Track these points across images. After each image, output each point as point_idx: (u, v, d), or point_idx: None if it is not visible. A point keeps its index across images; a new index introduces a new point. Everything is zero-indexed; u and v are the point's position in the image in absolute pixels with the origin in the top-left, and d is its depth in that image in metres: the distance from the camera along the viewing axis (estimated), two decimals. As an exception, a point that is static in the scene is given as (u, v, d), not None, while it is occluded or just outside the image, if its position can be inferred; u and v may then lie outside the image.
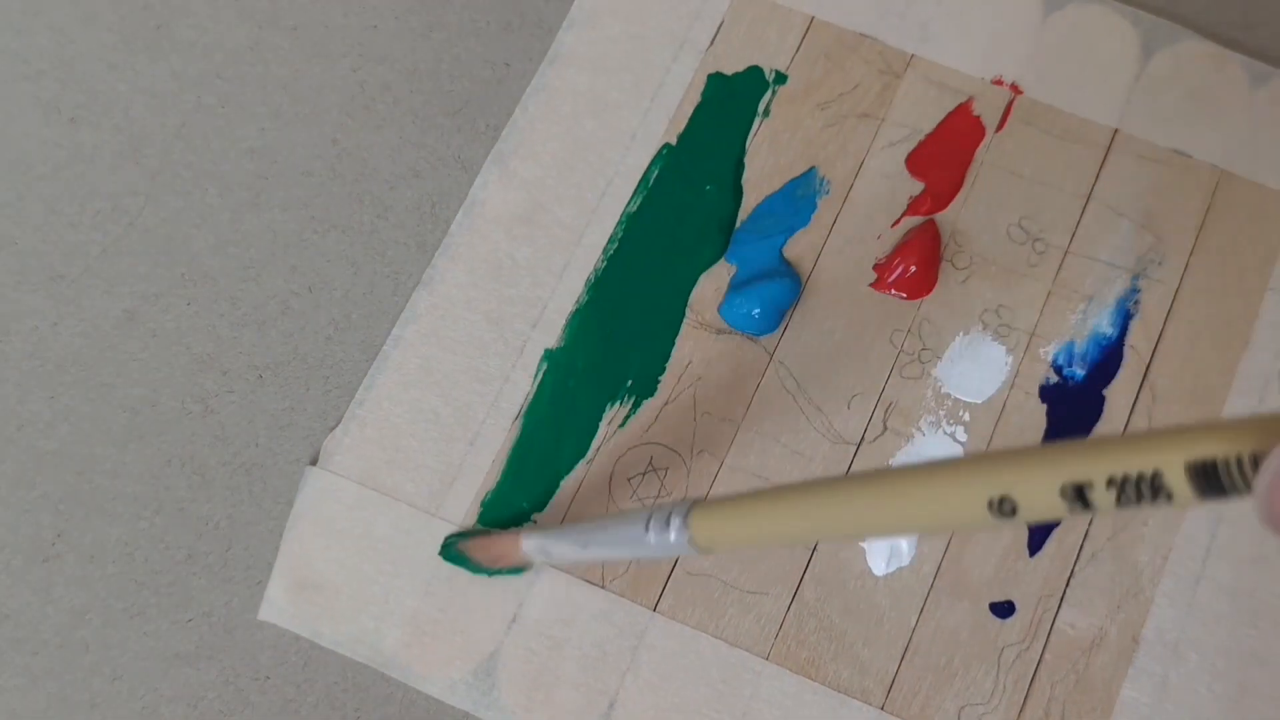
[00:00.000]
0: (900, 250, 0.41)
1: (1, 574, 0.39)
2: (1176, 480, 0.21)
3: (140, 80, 0.44)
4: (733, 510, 0.30)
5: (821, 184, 0.42)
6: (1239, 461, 0.21)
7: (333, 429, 0.40)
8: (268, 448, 0.40)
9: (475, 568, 0.38)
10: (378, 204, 0.43)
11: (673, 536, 0.31)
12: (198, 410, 0.41)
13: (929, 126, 0.43)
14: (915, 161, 0.43)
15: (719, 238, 0.42)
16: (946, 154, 0.43)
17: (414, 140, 0.44)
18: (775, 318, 0.41)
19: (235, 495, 0.40)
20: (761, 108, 0.43)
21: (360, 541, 0.39)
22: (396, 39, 0.45)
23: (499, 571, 0.38)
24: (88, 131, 0.43)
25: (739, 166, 0.43)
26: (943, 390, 0.40)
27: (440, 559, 0.39)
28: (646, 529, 0.31)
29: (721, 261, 0.42)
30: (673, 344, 0.41)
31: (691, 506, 0.30)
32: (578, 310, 0.41)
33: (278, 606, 0.39)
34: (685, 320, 0.41)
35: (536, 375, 0.41)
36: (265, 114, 0.44)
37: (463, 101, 0.44)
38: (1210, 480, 0.21)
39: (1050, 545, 0.39)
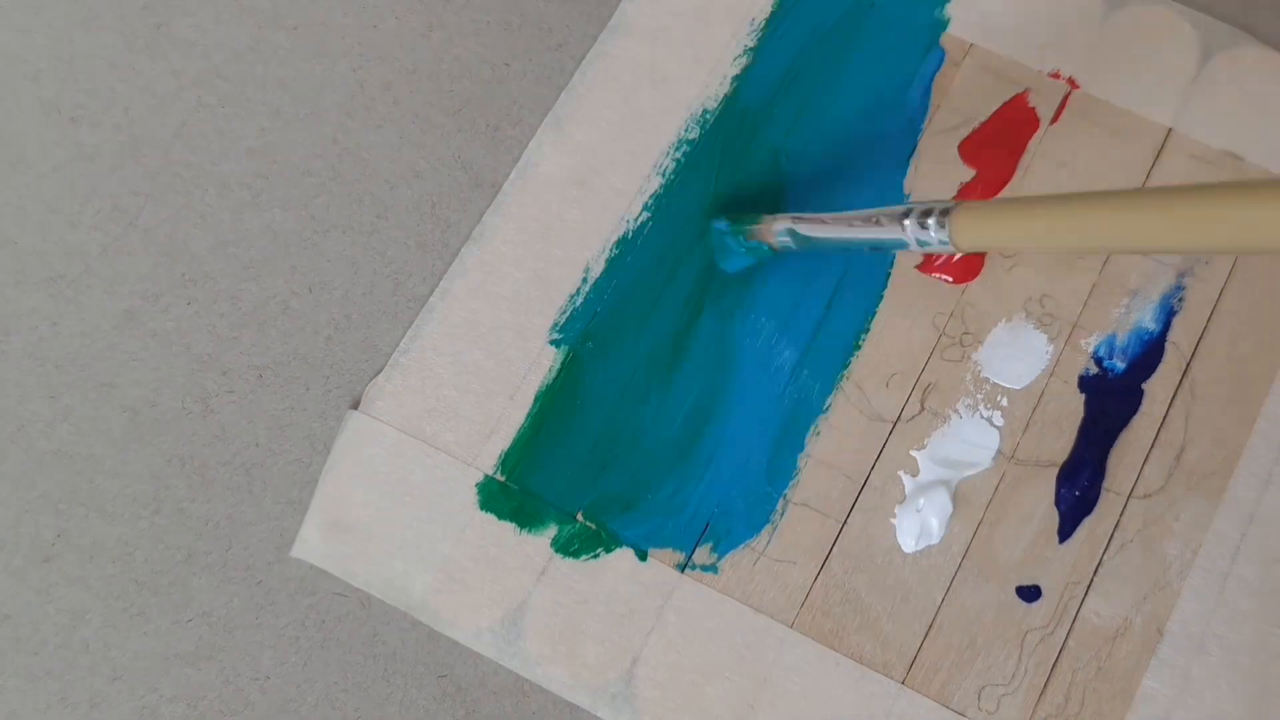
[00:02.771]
0: None
1: (1, 574, 0.39)
2: None
3: (140, 80, 0.44)
4: (996, 211, 0.31)
5: None
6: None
7: (375, 376, 0.41)
8: (268, 448, 0.40)
9: (739, 241, 0.40)
10: (378, 204, 0.43)
11: (932, 233, 0.33)
12: (198, 410, 0.41)
13: (984, 115, 0.44)
14: (968, 148, 0.43)
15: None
16: (1000, 143, 0.43)
17: (414, 140, 0.44)
18: None
19: (235, 495, 0.40)
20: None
21: (397, 487, 0.40)
22: (396, 39, 0.45)
23: (753, 247, 0.40)
24: (88, 131, 0.43)
25: None
26: (982, 375, 0.41)
27: (476, 506, 0.40)
28: (904, 224, 0.34)
29: None
30: None
31: (954, 207, 0.32)
32: (618, 276, 0.42)
33: (311, 545, 0.39)
34: None
35: (571, 341, 0.41)
36: (265, 114, 0.44)
37: (463, 101, 0.44)
38: None
39: (1081, 532, 0.39)
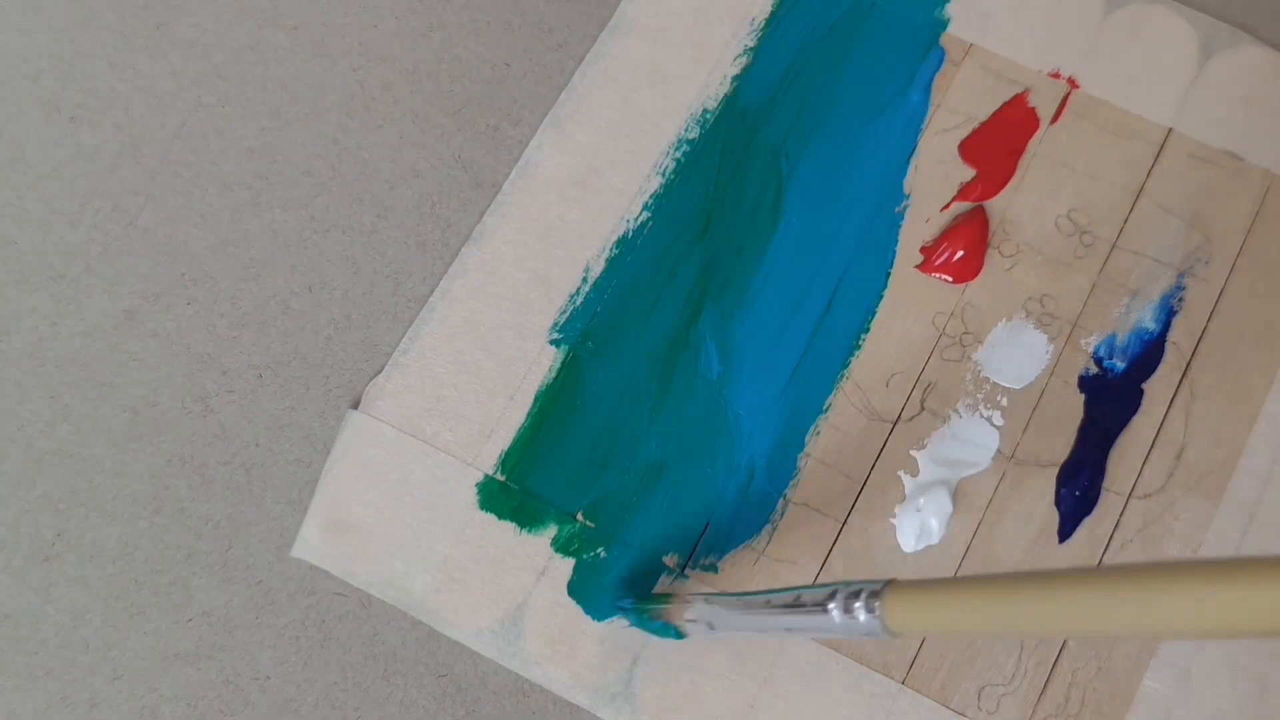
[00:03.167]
0: (948, 234, 0.42)
1: (1, 574, 0.39)
2: None
3: (140, 80, 0.44)
4: (934, 597, 0.28)
5: None
6: None
7: (375, 376, 0.41)
8: (268, 448, 0.40)
9: (642, 621, 0.37)
10: (378, 204, 0.43)
11: (861, 618, 0.29)
12: (198, 410, 0.41)
13: (984, 115, 0.44)
14: (968, 148, 0.43)
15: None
16: (1000, 142, 0.43)
17: (414, 140, 0.44)
18: None
19: (235, 495, 0.40)
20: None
21: (397, 486, 0.40)
22: (396, 39, 0.45)
23: (662, 629, 0.37)
24: (88, 131, 0.43)
25: None
26: (982, 374, 0.41)
27: (476, 505, 0.39)
28: (828, 609, 0.30)
29: None
30: None
31: (885, 588, 0.29)
32: (618, 276, 0.42)
33: (311, 545, 0.39)
34: None
35: (571, 341, 0.41)
36: (265, 114, 0.44)
37: (463, 101, 0.44)
38: None
39: (1081, 533, 0.39)
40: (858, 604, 0.29)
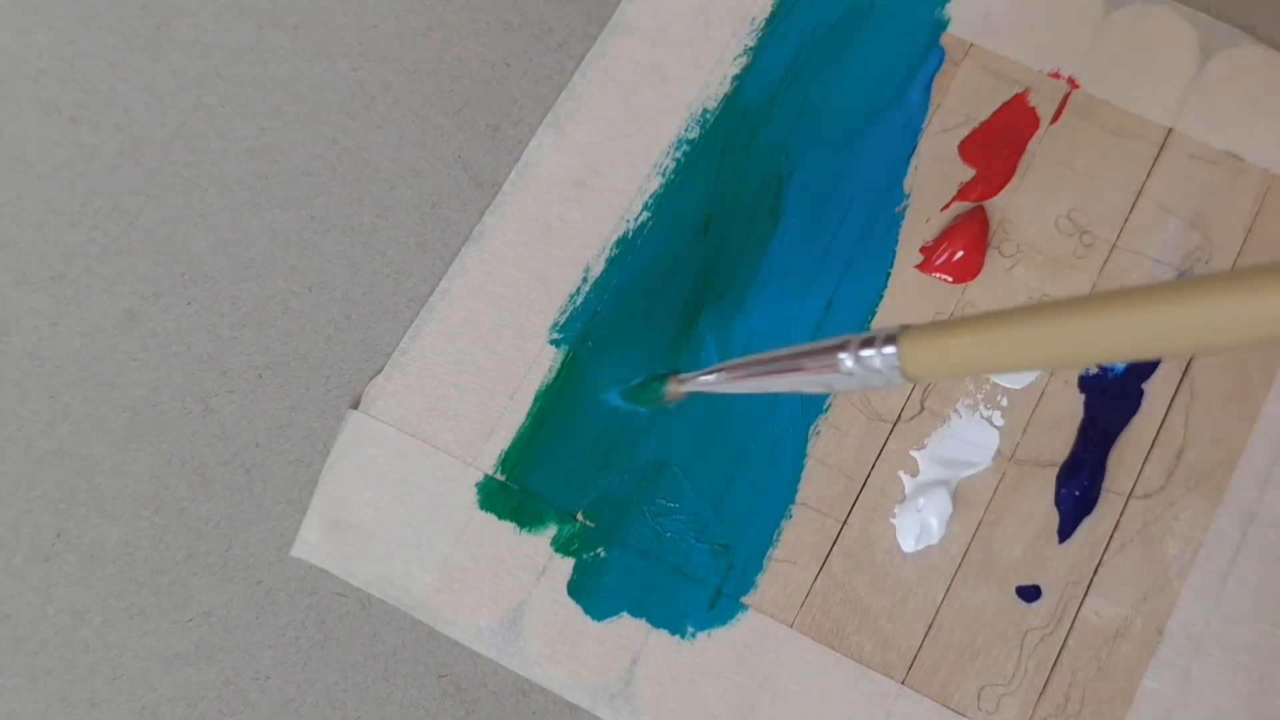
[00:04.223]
0: (948, 234, 0.42)
1: (1, 574, 0.39)
2: None
3: (140, 80, 0.44)
4: (952, 334, 0.27)
5: None
6: None
7: (375, 376, 0.41)
8: (268, 448, 0.40)
9: (635, 398, 0.38)
10: (378, 204, 0.43)
11: (878, 363, 0.29)
12: (198, 410, 0.41)
13: (984, 114, 0.44)
14: (968, 148, 0.43)
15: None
16: (1000, 142, 0.43)
17: (414, 140, 0.44)
18: None
19: (235, 495, 0.40)
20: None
21: (397, 486, 0.40)
22: (396, 39, 0.45)
23: (653, 400, 0.38)
24: (88, 131, 0.43)
25: None
26: None
27: (476, 505, 0.39)
28: (842, 354, 0.29)
29: None
30: None
31: (901, 330, 0.28)
32: (618, 276, 0.42)
33: (311, 544, 0.39)
34: None
35: (571, 341, 0.41)
36: (265, 114, 0.44)
37: (463, 101, 0.44)
38: None
39: (1080, 533, 0.39)
40: (871, 349, 0.29)
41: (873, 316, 0.41)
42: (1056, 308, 0.26)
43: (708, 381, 0.36)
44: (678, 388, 0.38)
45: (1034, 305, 0.26)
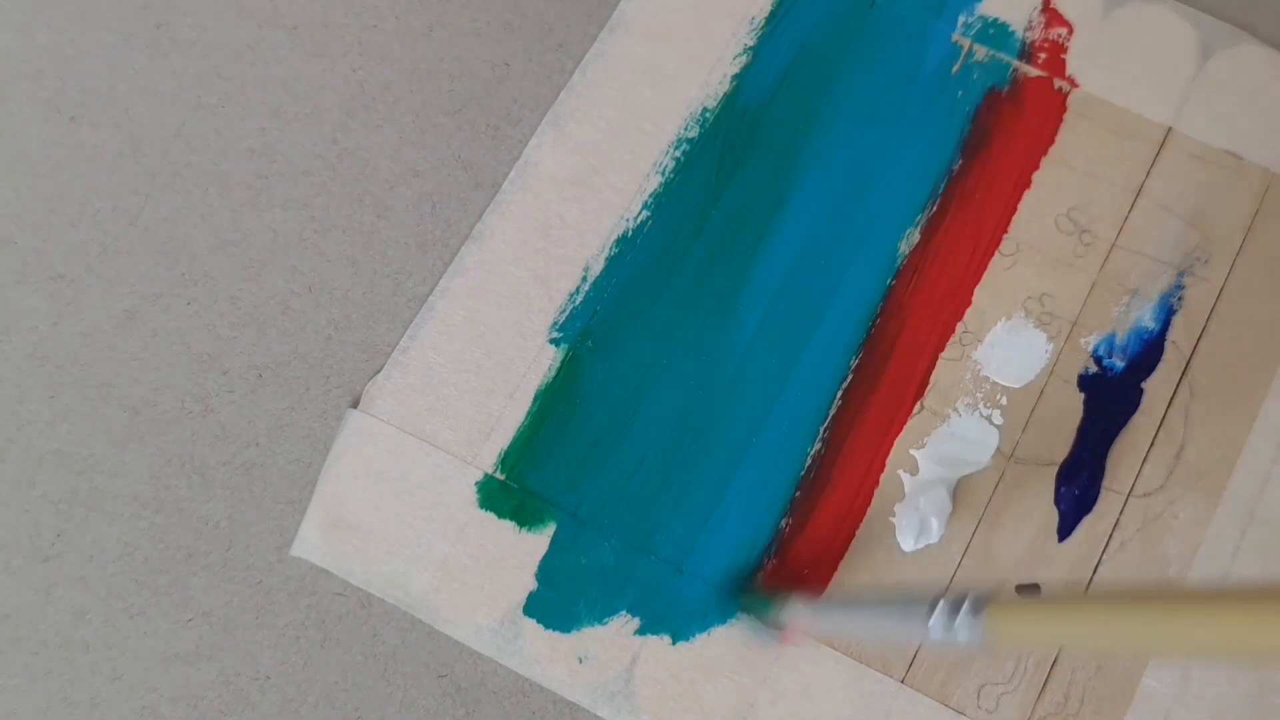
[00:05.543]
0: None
1: (1, 574, 0.39)
2: None
3: (140, 80, 0.44)
4: (1041, 615, 0.27)
5: None
6: None
7: (375, 375, 0.41)
8: (268, 448, 0.40)
9: (764, 614, 0.38)
10: (378, 204, 0.43)
11: (961, 636, 0.28)
12: (198, 410, 0.41)
13: (984, 114, 0.44)
14: (968, 148, 0.43)
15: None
16: (1000, 141, 0.43)
17: (414, 140, 0.44)
18: None
19: (235, 495, 0.40)
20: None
21: (396, 485, 0.40)
22: (396, 39, 0.45)
23: (766, 622, 0.38)
24: (88, 131, 0.43)
25: None
26: (981, 373, 0.41)
27: (476, 504, 0.39)
28: (929, 619, 0.29)
29: None
30: None
31: (988, 600, 0.28)
32: (618, 275, 0.42)
33: (311, 543, 0.39)
34: None
35: (570, 340, 0.41)
36: (265, 114, 0.44)
37: (463, 101, 0.44)
38: None
39: (1080, 531, 0.39)
40: (960, 617, 0.28)
41: (874, 316, 0.41)
42: (1143, 600, 0.25)
43: (804, 617, 0.36)
44: (786, 613, 0.37)
45: (1124, 593, 0.26)
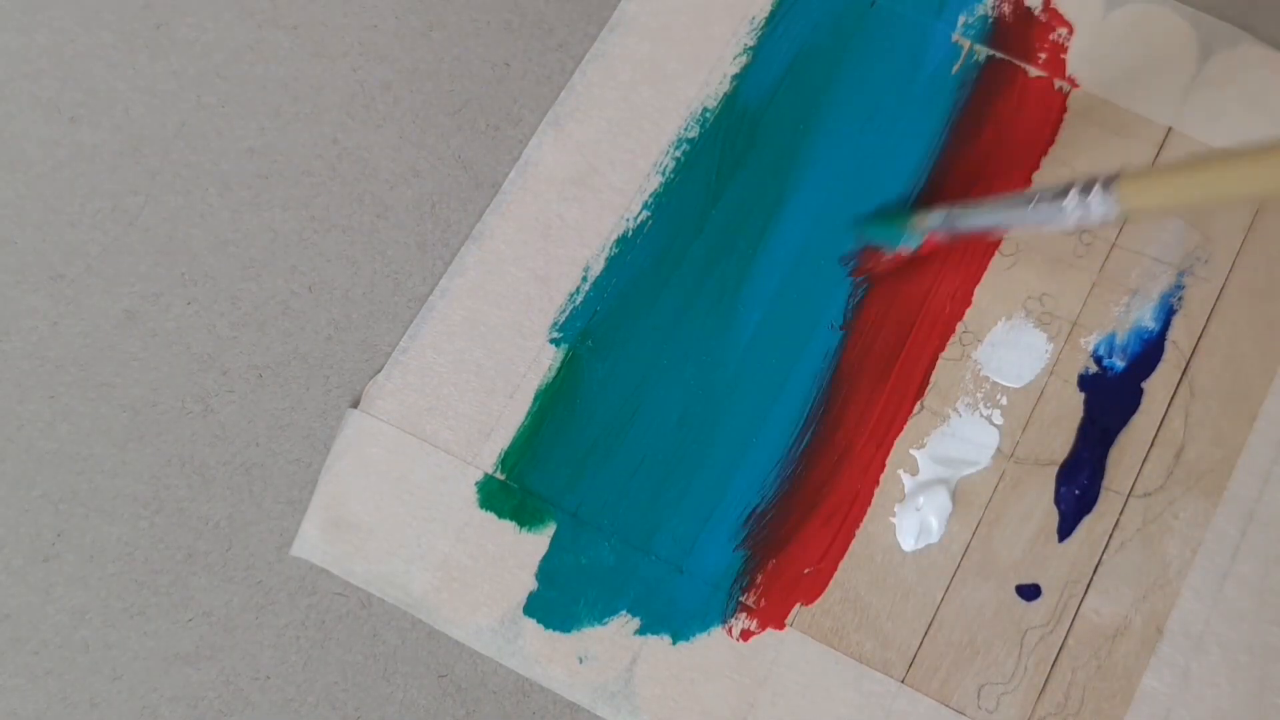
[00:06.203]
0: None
1: (1, 574, 0.39)
2: None
3: (140, 80, 0.44)
4: (1168, 171, 0.33)
5: None
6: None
7: (375, 375, 0.41)
8: (268, 448, 0.40)
9: (893, 233, 0.41)
10: (378, 204, 0.43)
11: (1096, 206, 0.34)
12: (198, 410, 0.41)
13: (984, 114, 0.44)
14: (968, 148, 0.43)
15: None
16: (1000, 141, 0.43)
17: (414, 140, 0.44)
18: None
19: (235, 495, 0.40)
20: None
21: (396, 485, 0.40)
22: (396, 39, 0.45)
23: (906, 236, 0.41)
24: (88, 131, 0.43)
25: None
26: (981, 373, 0.41)
27: (476, 504, 0.40)
28: (1063, 203, 0.35)
29: None
30: None
31: (1118, 174, 0.33)
32: (618, 275, 0.42)
33: (311, 543, 0.39)
34: None
35: (570, 340, 0.41)
36: (265, 113, 0.44)
37: (463, 101, 0.44)
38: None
39: (1080, 531, 0.39)
40: (1094, 190, 0.34)
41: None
42: (1248, 151, 0.30)
43: (939, 219, 0.40)
44: (921, 222, 0.40)
45: (1231, 149, 0.31)
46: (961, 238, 0.41)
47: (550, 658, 0.38)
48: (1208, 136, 0.43)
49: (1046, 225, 0.36)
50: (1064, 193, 0.35)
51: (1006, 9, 0.45)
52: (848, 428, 0.40)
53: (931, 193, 0.42)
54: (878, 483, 0.40)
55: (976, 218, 0.39)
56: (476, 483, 0.40)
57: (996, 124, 0.43)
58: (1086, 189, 0.34)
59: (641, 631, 0.38)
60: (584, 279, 0.42)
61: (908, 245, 0.40)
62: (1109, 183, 0.33)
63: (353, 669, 0.38)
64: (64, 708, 0.38)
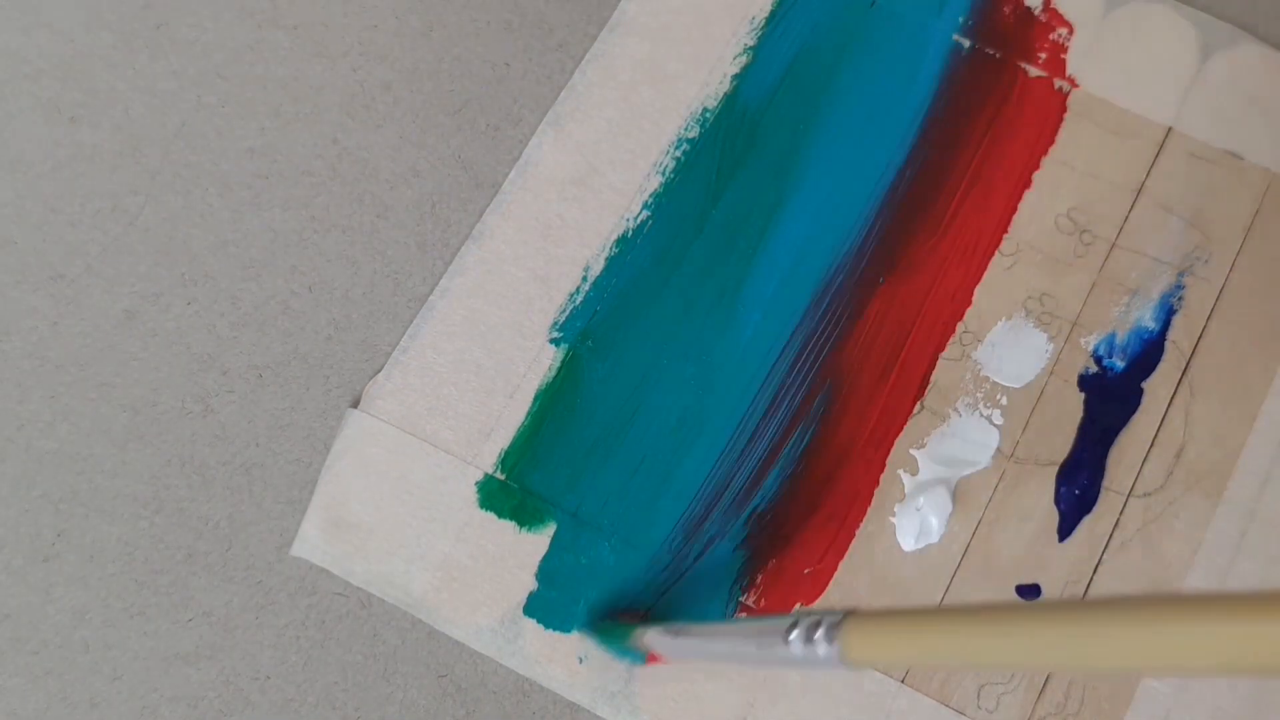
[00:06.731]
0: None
1: (1, 574, 0.39)
2: None
3: (140, 80, 0.44)
4: (896, 627, 0.26)
5: None
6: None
7: (375, 375, 0.41)
8: (268, 448, 0.40)
9: (616, 647, 0.38)
10: (378, 204, 0.43)
11: (820, 650, 0.27)
12: (198, 410, 0.41)
13: (984, 114, 0.44)
14: (968, 147, 0.43)
15: None
16: (1001, 142, 0.43)
17: (414, 140, 0.44)
18: None
19: (235, 495, 0.40)
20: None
21: (396, 485, 0.40)
22: (396, 39, 0.45)
23: (624, 653, 0.37)
24: (88, 131, 0.43)
25: None
26: (981, 373, 0.41)
27: (476, 504, 0.39)
28: (787, 639, 0.28)
29: None
30: None
31: (844, 618, 0.27)
32: (618, 275, 0.42)
33: (310, 543, 0.39)
34: None
35: (570, 340, 0.41)
36: (265, 113, 0.44)
37: (463, 101, 0.44)
38: None
39: (1080, 531, 0.39)
40: (819, 633, 0.28)
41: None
42: (998, 613, 0.24)
43: (660, 640, 0.35)
44: (639, 640, 0.36)
45: (979, 607, 0.25)
46: (688, 660, 0.37)
47: (550, 658, 0.38)
48: (1208, 136, 0.43)
49: (767, 663, 0.32)
50: (789, 628, 0.29)
51: (1006, 9, 0.45)
52: (848, 428, 0.40)
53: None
54: (878, 483, 0.40)
55: (697, 643, 0.34)
56: (476, 483, 0.40)
57: (996, 124, 0.43)
58: (812, 629, 0.28)
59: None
60: (584, 279, 0.42)
61: (632, 659, 0.37)
62: (834, 627, 0.27)
63: (353, 669, 0.38)
64: (64, 708, 0.38)
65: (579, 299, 0.41)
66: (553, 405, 0.40)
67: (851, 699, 0.37)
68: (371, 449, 0.40)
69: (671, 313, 0.41)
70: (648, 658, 0.37)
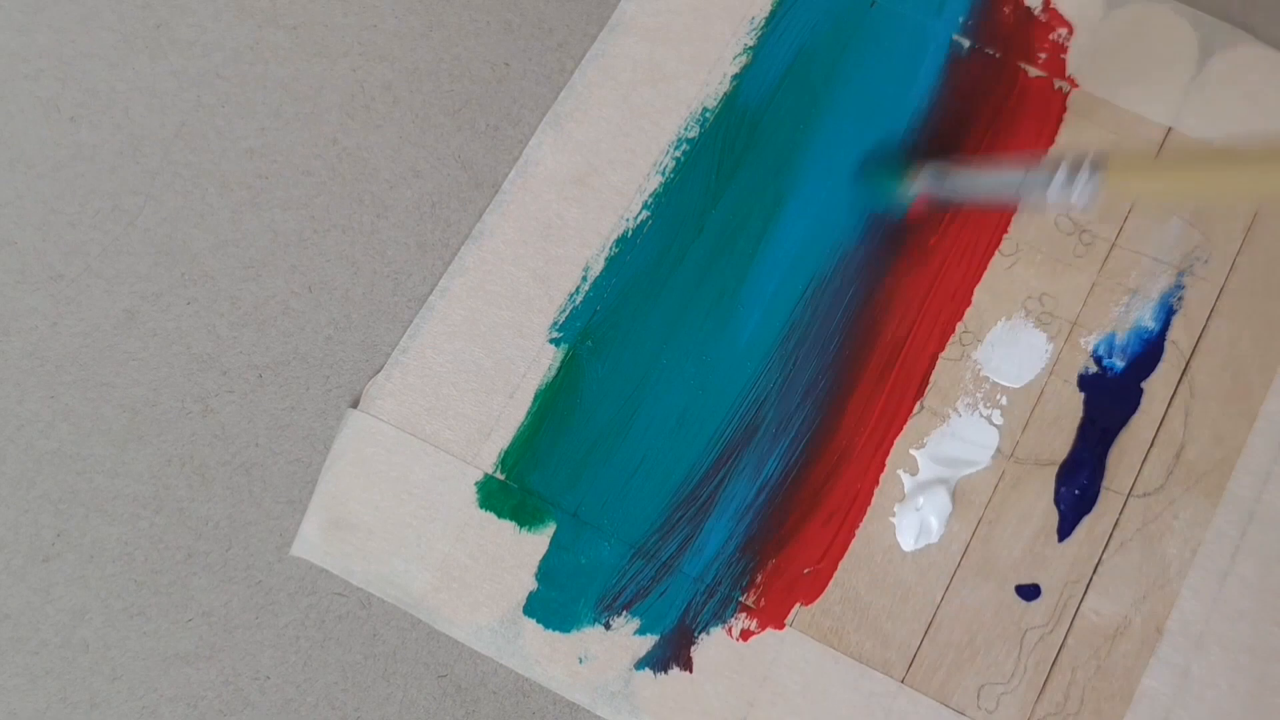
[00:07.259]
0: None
1: (1, 574, 0.39)
2: None
3: (140, 80, 0.44)
4: (1154, 163, 0.34)
5: None
6: None
7: (375, 375, 0.41)
8: (268, 448, 0.40)
9: (888, 193, 0.42)
10: (378, 204, 0.43)
11: (1078, 188, 0.35)
12: (198, 410, 0.41)
13: (984, 114, 0.44)
14: (968, 148, 0.43)
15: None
16: (1000, 142, 0.43)
17: (414, 140, 0.44)
18: None
19: (235, 495, 0.40)
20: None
21: (396, 485, 0.40)
22: (396, 39, 0.45)
23: (889, 201, 0.42)
24: (88, 131, 0.43)
25: None
26: (981, 373, 0.41)
27: (476, 504, 0.40)
28: (1052, 175, 0.35)
29: None
30: None
31: (1104, 154, 0.34)
32: (618, 275, 0.42)
33: (311, 543, 0.39)
34: None
35: (570, 340, 0.41)
36: (265, 114, 0.44)
37: (463, 101, 0.44)
38: None
39: (1080, 531, 0.39)
40: (1081, 171, 0.35)
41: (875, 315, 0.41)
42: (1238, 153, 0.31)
43: (931, 177, 0.40)
44: (914, 178, 0.41)
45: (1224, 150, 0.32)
46: (949, 204, 0.41)
47: (550, 658, 0.38)
48: (1208, 136, 0.43)
49: (1029, 199, 0.37)
50: (1054, 167, 0.36)
51: (1006, 9, 0.45)
52: (848, 428, 0.40)
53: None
54: (878, 483, 0.40)
55: (966, 180, 0.39)
56: (476, 483, 0.40)
57: (996, 124, 0.43)
58: (1075, 166, 0.35)
59: (641, 631, 0.38)
60: (584, 279, 0.42)
61: (899, 207, 0.41)
62: (1096, 163, 0.35)
63: (353, 669, 0.38)
64: (64, 708, 0.38)
65: (579, 299, 0.41)
66: (552, 405, 0.40)
67: (851, 699, 0.37)
68: (371, 449, 0.40)
69: (671, 313, 0.41)
70: (912, 206, 0.41)
